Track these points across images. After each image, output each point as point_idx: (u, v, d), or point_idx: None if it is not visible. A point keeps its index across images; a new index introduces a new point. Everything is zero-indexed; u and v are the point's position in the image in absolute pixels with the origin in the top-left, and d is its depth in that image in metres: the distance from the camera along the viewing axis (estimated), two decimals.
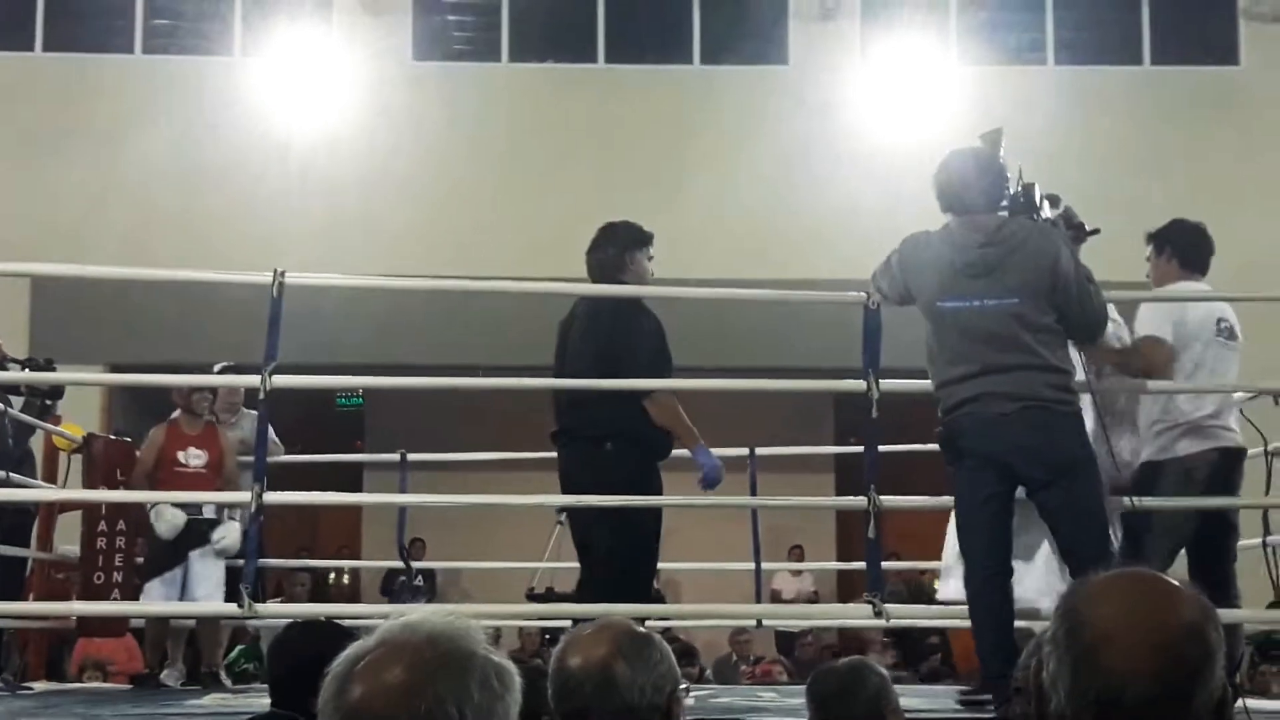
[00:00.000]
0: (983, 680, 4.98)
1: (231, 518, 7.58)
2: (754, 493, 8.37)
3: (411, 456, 8.55)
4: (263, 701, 4.22)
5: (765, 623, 9.88)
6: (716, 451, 8.79)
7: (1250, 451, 5.68)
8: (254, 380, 5.61)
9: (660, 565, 10.94)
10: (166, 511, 7.42)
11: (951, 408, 4.94)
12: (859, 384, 5.63)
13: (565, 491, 5.88)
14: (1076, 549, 4.82)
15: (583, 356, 5.83)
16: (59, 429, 8.15)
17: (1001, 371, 4.84)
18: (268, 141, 13.84)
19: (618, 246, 5.95)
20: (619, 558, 5.68)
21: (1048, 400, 4.86)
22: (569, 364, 5.90)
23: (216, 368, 7.89)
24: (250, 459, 7.26)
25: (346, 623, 6.10)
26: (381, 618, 1.76)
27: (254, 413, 7.94)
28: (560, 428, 5.91)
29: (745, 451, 8.39)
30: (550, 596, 9.60)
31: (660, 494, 5.83)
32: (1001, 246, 4.94)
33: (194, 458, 7.63)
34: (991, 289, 4.88)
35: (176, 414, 7.86)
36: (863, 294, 5.70)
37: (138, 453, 7.98)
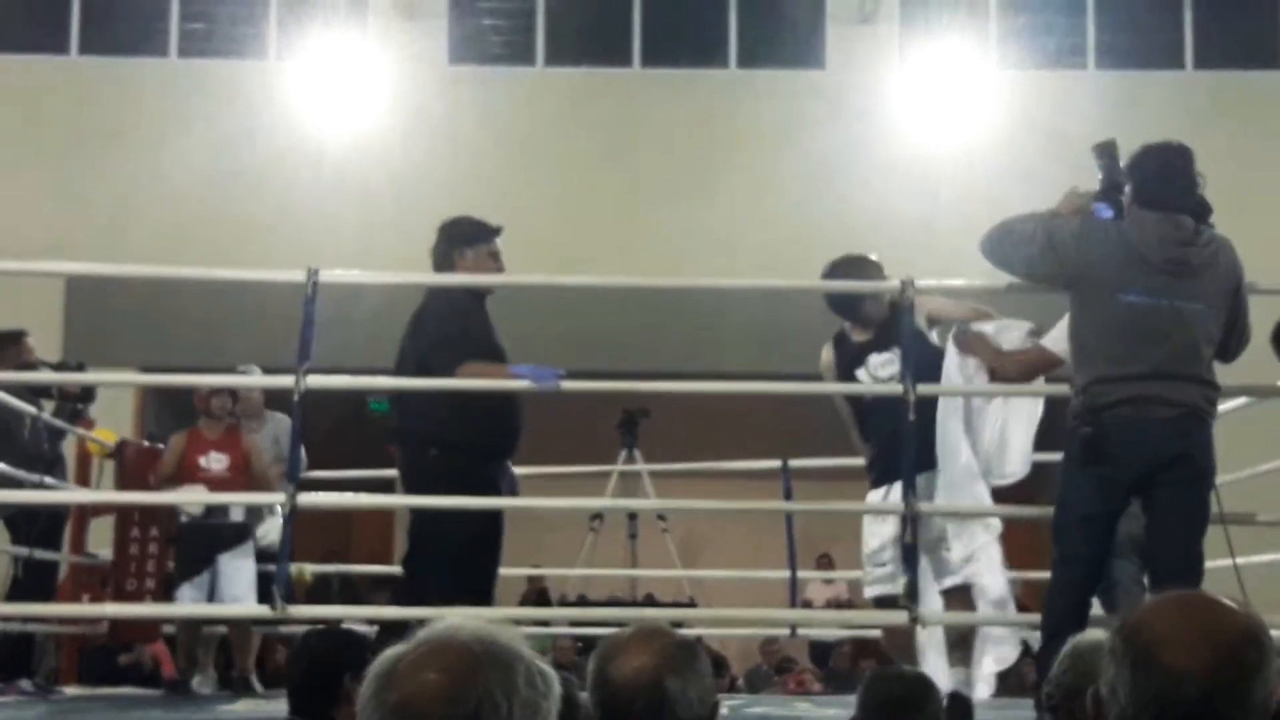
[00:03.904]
0: (1039, 680, 4.86)
1: (271, 514, 7.57)
2: (788, 499, 8.28)
3: None
4: None
5: (799, 631, 9.81)
6: (751, 464, 8.75)
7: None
8: (288, 381, 5.57)
9: (693, 573, 11.00)
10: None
11: (1101, 407, 4.74)
12: (896, 388, 5.54)
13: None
14: (1166, 556, 4.74)
15: (405, 357, 5.83)
16: (91, 434, 8.15)
17: (1168, 378, 4.71)
18: (302, 145, 13.83)
19: (445, 244, 5.93)
20: (443, 562, 5.61)
21: (1203, 411, 4.77)
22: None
23: (238, 369, 7.89)
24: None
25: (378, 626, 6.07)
26: (416, 621, 1.74)
27: (279, 415, 7.94)
28: (393, 430, 5.89)
29: (778, 464, 8.31)
30: (583, 604, 9.56)
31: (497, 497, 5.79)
32: (1203, 250, 4.82)
33: (215, 462, 7.59)
34: (1182, 290, 4.75)
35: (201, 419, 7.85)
36: (898, 284, 5.62)
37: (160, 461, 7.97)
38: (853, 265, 5.96)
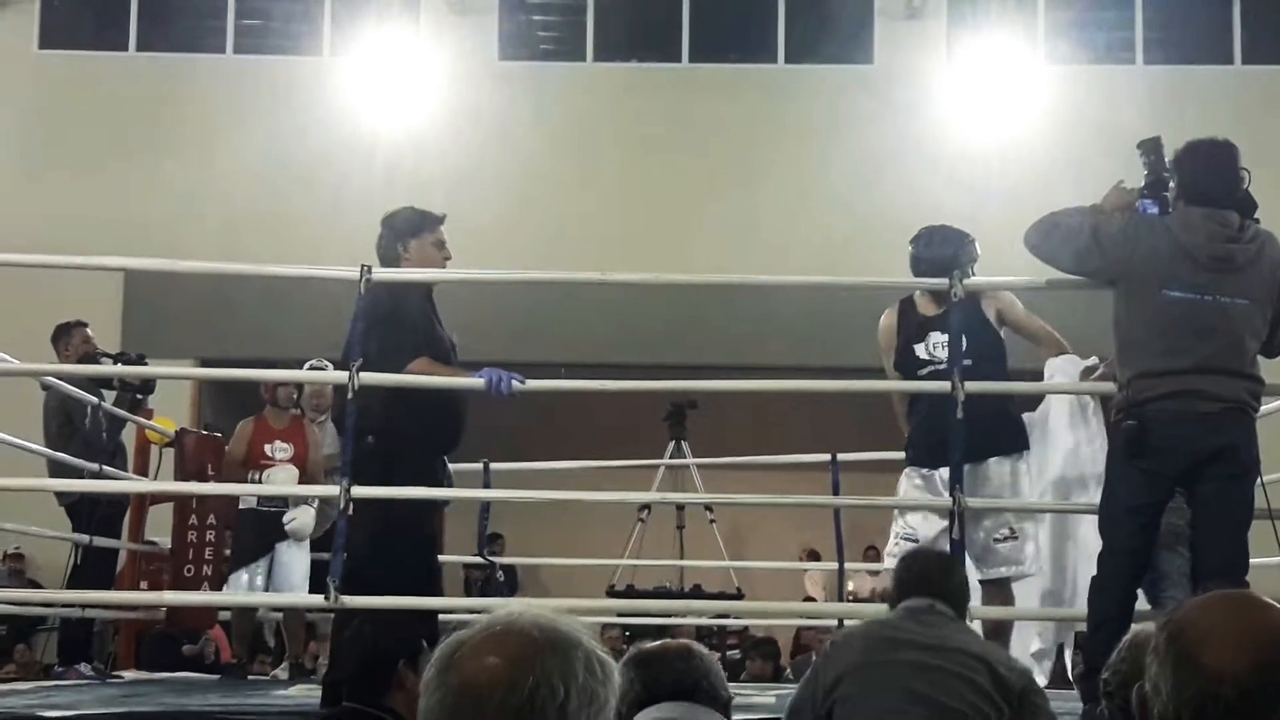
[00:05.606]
0: (1085, 670, 4.91)
1: (309, 505, 7.64)
2: (836, 494, 8.32)
3: (494, 466, 8.67)
4: None
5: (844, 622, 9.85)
6: (798, 457, 8.79)
7: None
8: (342, 377, 5.65)
9: (740, 564, 11.07)
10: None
11: (1145, 400, 4.77)
12: (944, 385, 5.54)
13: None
14: (1211, 551, 4.76)
15: (348, 347, 5.71)
16: (151, 423, 8.30)
17: (1212, 372, 4.73)
18: (355, 141, 13.96)
19: (389, 237, 5.82)
20: (381, 555, 5.56)
21: (1247, 406, 4.80)
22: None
23: (307, 365, 7.98)
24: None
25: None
26: (468, 611, 1.82)
27: None
28: (335, 418, 5.93)
29: (827, 457, 8.35)
30: (631, 593, 9.63)
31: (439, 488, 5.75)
32: (1248, 246, 4.83)
33: (280, 451, 7.72)
34: (1226, 286, 4.76)
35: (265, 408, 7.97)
36: (945, 282, 5.66)
37: (227, 447, 8.10)
38: (944, 232, 5.96)
